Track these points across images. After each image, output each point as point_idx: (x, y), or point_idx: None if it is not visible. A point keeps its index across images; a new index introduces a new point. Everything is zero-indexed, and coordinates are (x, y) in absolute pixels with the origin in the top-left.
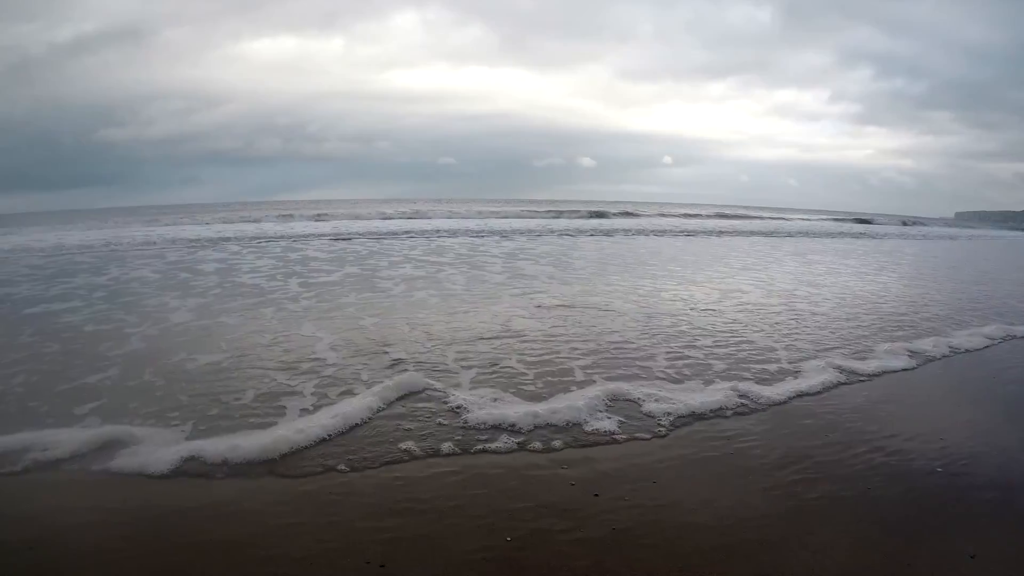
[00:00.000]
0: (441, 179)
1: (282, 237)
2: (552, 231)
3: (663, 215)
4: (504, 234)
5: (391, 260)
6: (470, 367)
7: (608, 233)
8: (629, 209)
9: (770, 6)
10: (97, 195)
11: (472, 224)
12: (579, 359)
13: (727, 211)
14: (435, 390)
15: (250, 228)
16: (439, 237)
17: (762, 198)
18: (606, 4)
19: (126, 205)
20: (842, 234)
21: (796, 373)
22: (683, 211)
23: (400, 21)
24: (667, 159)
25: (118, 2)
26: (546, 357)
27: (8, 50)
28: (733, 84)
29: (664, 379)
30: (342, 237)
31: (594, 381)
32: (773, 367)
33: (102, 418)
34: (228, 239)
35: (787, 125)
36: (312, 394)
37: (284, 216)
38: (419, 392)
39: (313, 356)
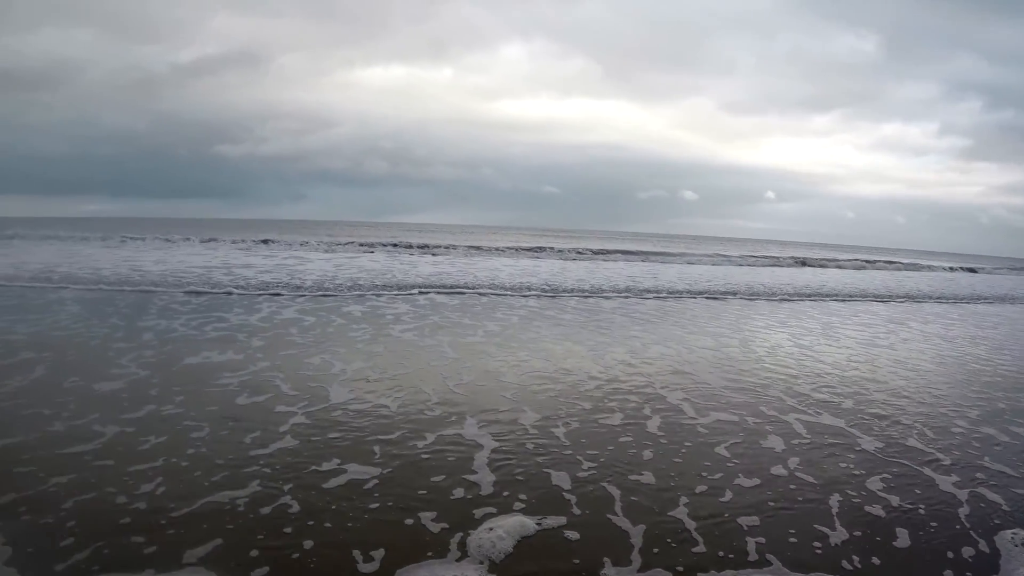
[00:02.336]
0: (544, 207)
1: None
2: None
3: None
4: (660, 293)
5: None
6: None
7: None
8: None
9: (873, 36)
10: (210, 206)
11: (616, 273)
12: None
13: (837, 255)
14: None
15: (372, 263)
16: (598, 297)
17: (868, 235)
18: (707, 36)
19: (237, 217)
20: (978, 298)
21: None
22: (776, 253)
23: (507, 53)
24: (770, 194)
25: (238, 29)
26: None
27: (134, 68)
28: (837, 117)
29: None
30: (462, 289)
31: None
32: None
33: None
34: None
35: (893, 160)
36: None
37: (396, 245)
38: None
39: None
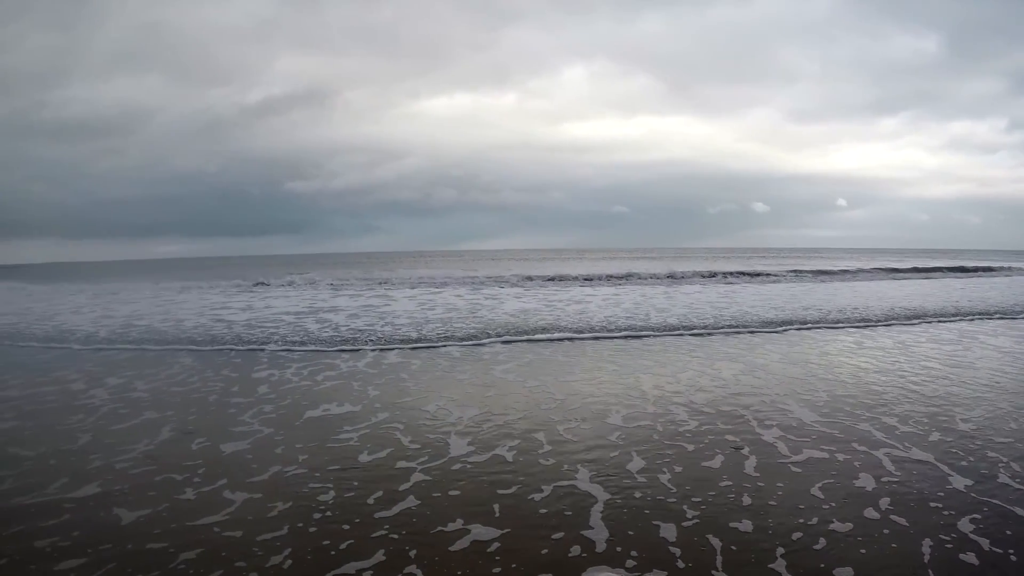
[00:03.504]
0: (615, 227)
1: (500, 324)
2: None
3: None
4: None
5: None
6: None
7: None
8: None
9: (933, 35)
10: (284, 241)
11: (695, 298)
12: None
13: (917, 261)
14: None
15: (455, 298)
16: (682, 331)
17: (944, 237)
18: (768, 46)
19: (311, 252)
20: None
21: None
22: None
23: (569, 75)
24: (841, 201)
25: (303, 68)
26: None
27: (203, 112)
28: (904, 119)
29: None
30: (551, 331)
31: None
32: None
33: None
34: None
35: (963, 159)
36: None
37: (473, 279)
38: None
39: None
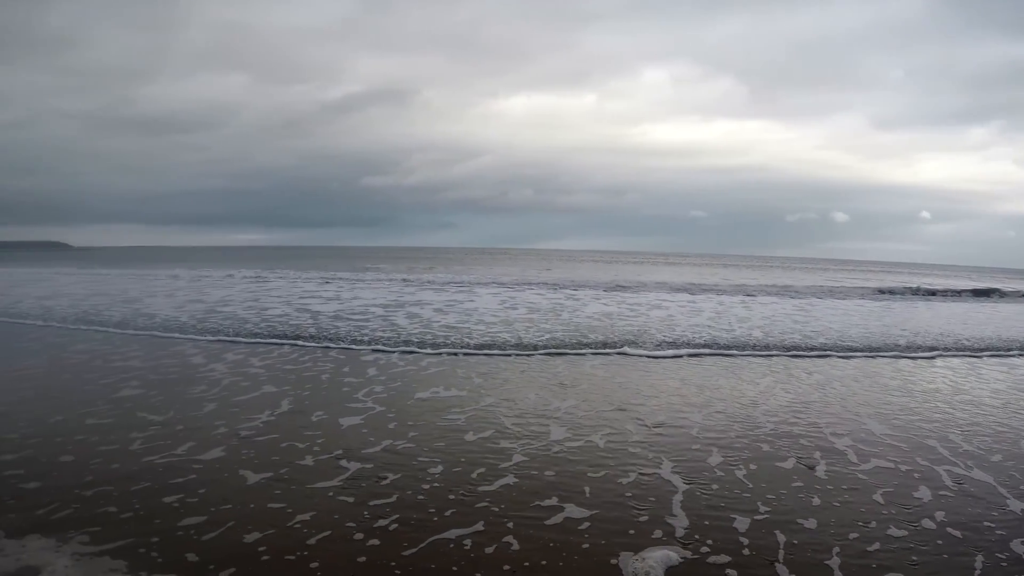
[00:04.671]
0: (691, 232)
1: (584, 326)
2: None
3: None
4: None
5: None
6: None
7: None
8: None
9: None
10: (360, 235)
11: (774, 310)
12: None
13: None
14: None
15: (537, 297)
16: (758, 350)
17: None
18: (853, 50)
19: (387, 245)
20: None
21: None
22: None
23: (649, 77)
24: (925, 214)
25: (384, 67)
26: None
27: (284, 108)
28: (995, 129)
29: None
30: (631, 343)
31: None
32: None
33: None
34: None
35: None
36: None
37: (556, 286)
38: None
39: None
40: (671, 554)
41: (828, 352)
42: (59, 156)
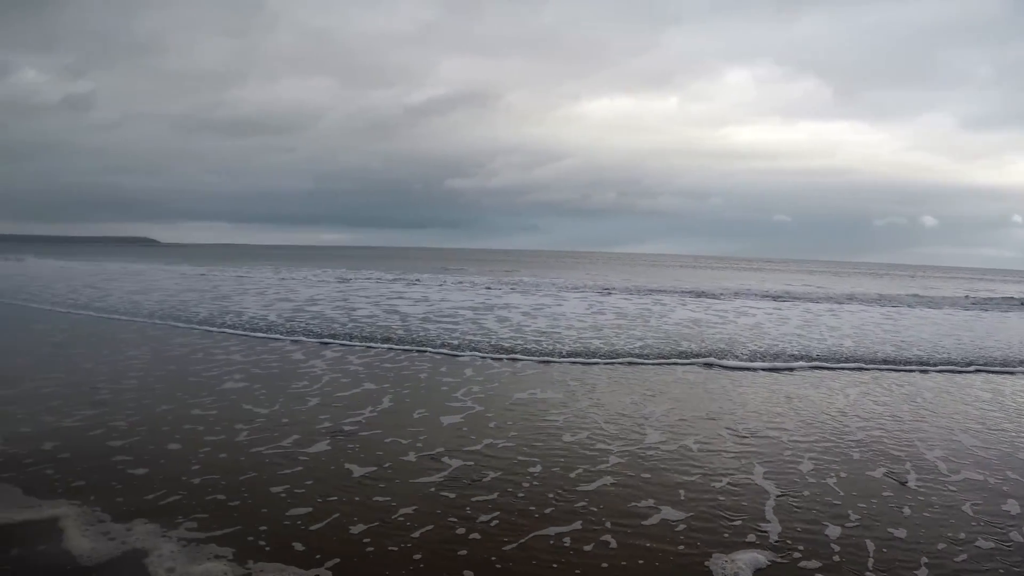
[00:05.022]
0: (775, 237)
1: (671, 332)
2: None
3: None
4: None
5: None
6: None
7: None
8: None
9: None
10: (443, 236)
11: (863, 319)
12: None
13: None
14: None
15: (624, 301)
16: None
17: None
18: (939, 47)
19: (470, 247)
20: None
21: None
22: None
23: (732, 79)
24: (1017, 218)
25: (467, 71)
26: None
27: (369, 112)
28: None
29: None
30: (719, 354)
31: None
32: None
33: None
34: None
35: None
36: None
37: (642, 290)
38: None
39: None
40: (759, 557)
41: (920, 365)
42: (150, 156)
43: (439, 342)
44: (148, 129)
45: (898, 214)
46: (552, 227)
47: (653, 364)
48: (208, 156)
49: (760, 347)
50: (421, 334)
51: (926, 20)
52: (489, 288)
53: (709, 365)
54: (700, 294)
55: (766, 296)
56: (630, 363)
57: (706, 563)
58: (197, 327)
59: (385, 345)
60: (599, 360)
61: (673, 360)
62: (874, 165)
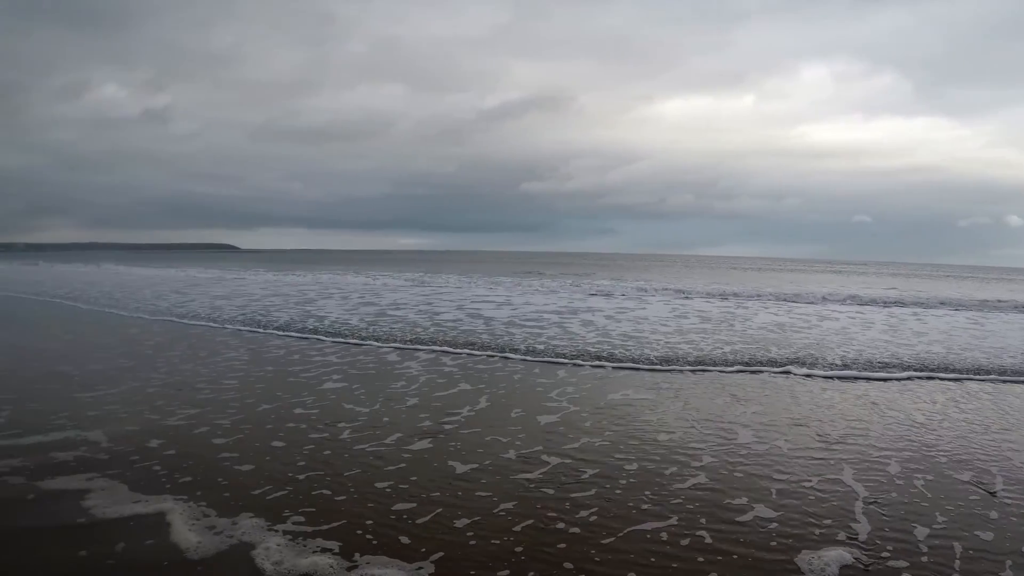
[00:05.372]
0: (854, 238)
1: (755, 337)
2: None
3: None
4: None
5: None
6: None
7: None
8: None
9: None
10: (520, 240)
11: (951, 323)
12: None
13: None
14: None
15: (706, 304)
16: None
17: None
18: (1018, 41)
19: (546, 250)
20: None
21: None
22: None
23: (808, 75)
24: None
25: (539, 74)
26: None
27: (442, 117)
28: None
29: None
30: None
31: None
32: None
33: None
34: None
35: None
36: None
37: (722, 295)
38: None
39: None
40: (845, 554)
41: (1013, 375)
42: (228, 165)
43: (527, 346)
44: (226, 139)
45: (982, 214)
46: (628, 230)
47: (739, 371)
48: (285, 164)
49: (847, 352)
50: (506, 338)
51: (1010, 11)
52: (572, 290)
53: (793, 372)
54: (781, 297)
55: (849, 300)
56: (719, 371)
57: (795, 559)
58: (280, 332)
59: (474, 350)
60: (687, 365)
61: (758, 367)
62: (957, 163)
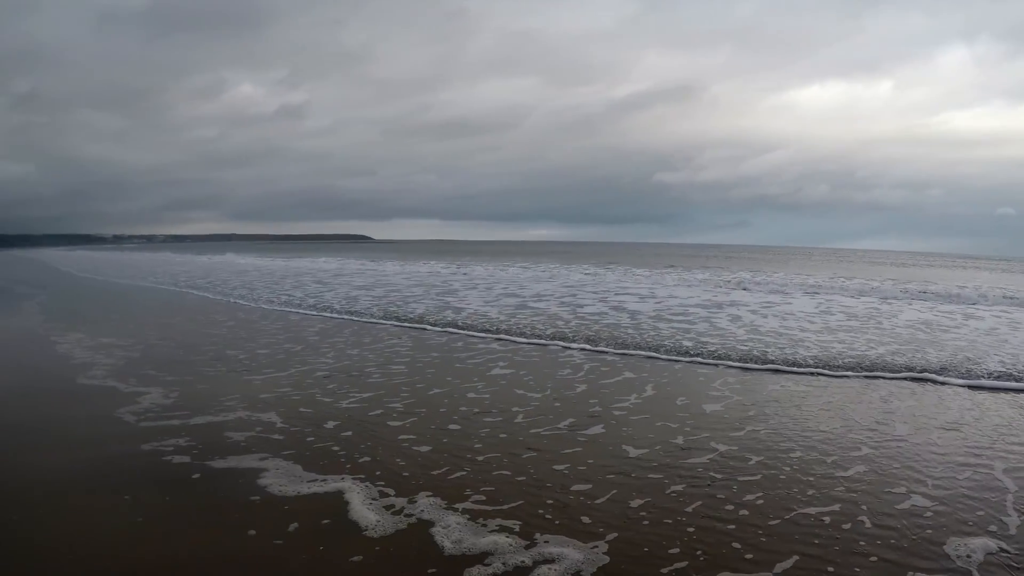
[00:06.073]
0: (999, 233)
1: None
2: None
3: None
4: None
5: None
6: None
7: None
8: None
9: None
10: (652, 231)
11: None
12: None
13: None
14: None
15: (851, 300)
16: None
17: None
18: None
19: (681, 242)
20: None
21: None
22: None
23: (948, 59)
24: None
25: (670, 64)
26: None
27: (573, 109)
28: None
29: None
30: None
31: None
32: None
33: None
34: None
35: None
36: None
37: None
38: None
39: None
40: (991, 543)
41: None
42: (363, 160)
43: (678, 340)
44: (360, 134)
45: None
46: (763, 222)
47: (895, 376)
48: (418, 157)
49: (1002, 357)
50: (653, 333)
51: None
52: (712, 285)
53: (948, 379)
54: (926, 294)
55: (996, 298)
56: (875, 375)
57: (943, 547)
58: (434, 327)
59: (628, 349)
60: (845, 370)
61: (913, 372)
62: None
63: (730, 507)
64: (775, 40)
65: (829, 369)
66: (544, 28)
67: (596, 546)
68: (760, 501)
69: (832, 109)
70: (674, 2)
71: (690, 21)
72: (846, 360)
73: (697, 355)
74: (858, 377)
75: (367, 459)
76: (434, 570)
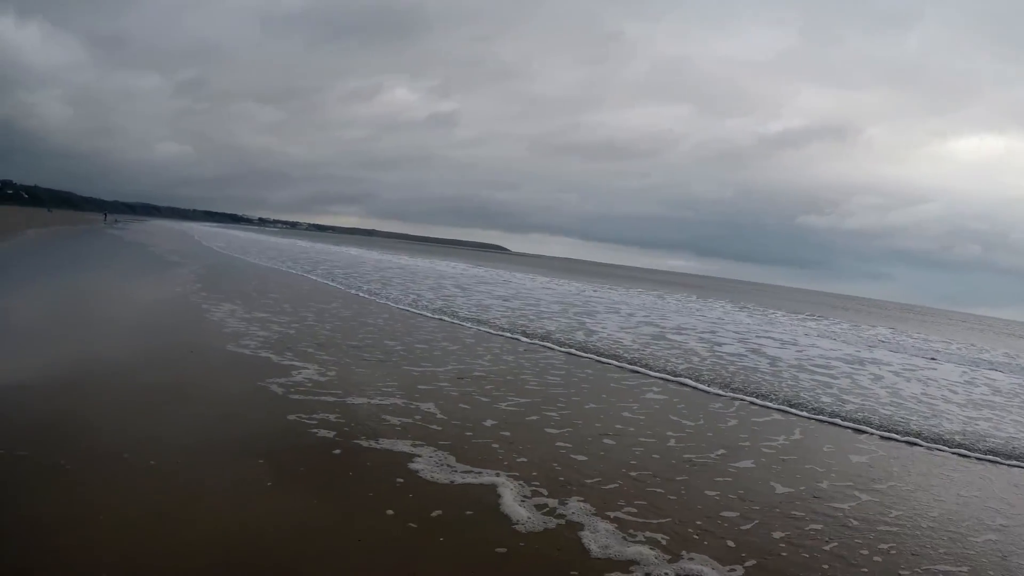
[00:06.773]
0: None
1: None
2: None
3: None
4: None
5: None
6: None
7: None
8: None
9: None
10: (789, 274)
11: None
12: None
13: None
14: None
15: (998, 375)
16: None
17: None
18: None
19: (817, 289)
20: None
21: None
22: None
23: None
24: None
25: (824, 102)
26: None
27: (722, 141)
28: None
29: None
30: None
31: None
32: None
33: None
34: None
35: None
36: None
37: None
38: None
39: None
40: None
41: None
42: (507, 172)
43: (821, 393)
44: (507, 147)
45: None
46: (904, 277)
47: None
48: (562, 175)
49: None
50: (792, 383)
51: None
52: (854, 338)
53: None
54: None
55: None
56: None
57: None
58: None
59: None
60: (991, 454)
61: None
62: None
63: (864, 552)
64: (939, 83)
65: (976, 454)
66: (700, 55)
67: (734, 569)
68: (894, 551)
69: (989, 163)
70: (835, 36)
71: (849, 57)
72: (991, 443)
73: (836, 416)
74: (1007, 465)
75: (524, 459)
76: (576, 572)
